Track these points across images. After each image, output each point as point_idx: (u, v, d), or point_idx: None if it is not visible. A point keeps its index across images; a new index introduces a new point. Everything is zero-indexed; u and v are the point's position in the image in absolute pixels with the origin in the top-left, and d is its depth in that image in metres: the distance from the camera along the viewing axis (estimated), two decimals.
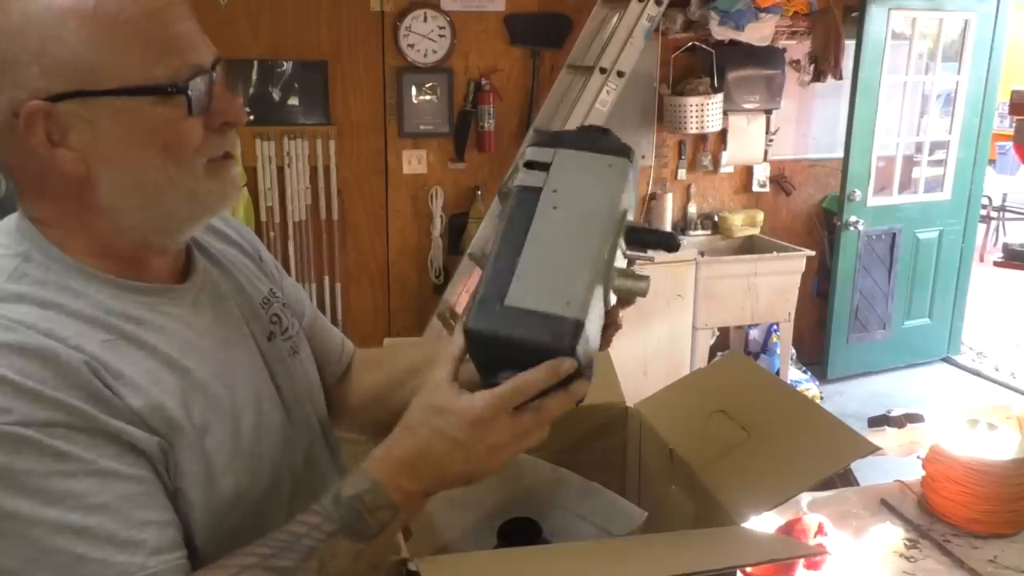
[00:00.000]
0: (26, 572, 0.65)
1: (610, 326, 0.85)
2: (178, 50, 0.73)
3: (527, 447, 0.75)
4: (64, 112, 0.71)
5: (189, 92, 0.73)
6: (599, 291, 0.75)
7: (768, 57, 4.11)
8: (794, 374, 4.26)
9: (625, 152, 0.79)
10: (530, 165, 0.79)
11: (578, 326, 0.71)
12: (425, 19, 3.64)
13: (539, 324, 0.71)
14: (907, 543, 1.52)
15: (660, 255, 0.91)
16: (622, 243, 0.79)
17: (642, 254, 0.82)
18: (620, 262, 0.79)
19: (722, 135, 4.23)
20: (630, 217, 0.78)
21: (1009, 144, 7.38)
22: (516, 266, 0.74)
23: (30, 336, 0.69)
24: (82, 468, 0.67)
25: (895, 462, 1.80)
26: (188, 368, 0.78)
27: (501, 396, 0.72)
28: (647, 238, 0.80)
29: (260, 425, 0.84)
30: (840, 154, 4.33)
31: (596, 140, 0.80)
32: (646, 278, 0.79)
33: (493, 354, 0.74)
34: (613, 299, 0.80)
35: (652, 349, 3.76)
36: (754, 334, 4.40)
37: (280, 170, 3.59)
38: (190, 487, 0.76)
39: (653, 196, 4.20)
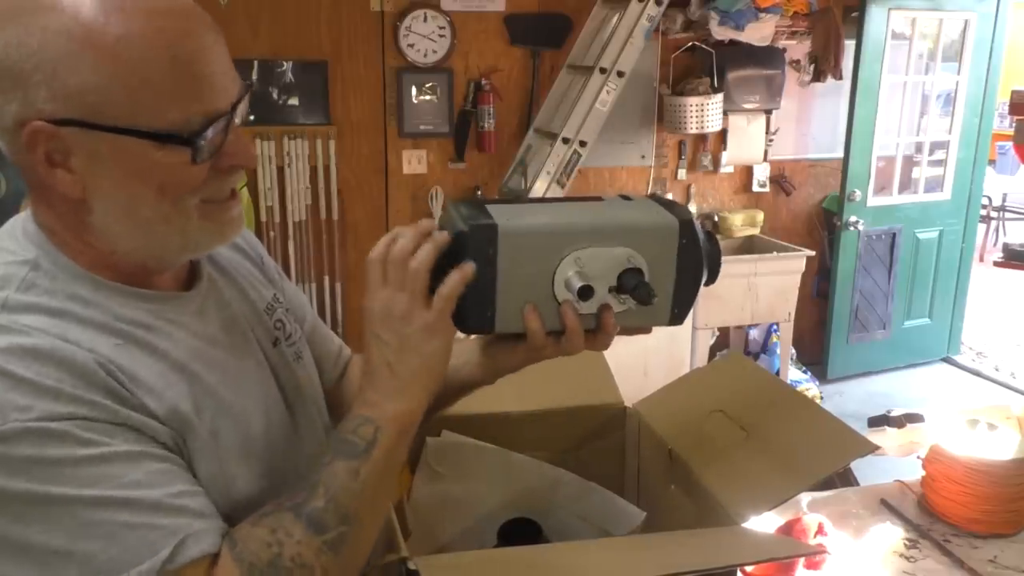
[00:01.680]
0: (73, 546, 0.66)
1: (600, 332, 0.88)
2: (197, 96, 0.72)
3: (414, 297, 0.81)
4: (67, 136, 0.71)
5: (195, 143, 0.72)
6: (544, 247, 0.81)
7: (768, 57, 4.11)
8: (794, 374, 4.26)
9: (685, 221, 0.86)
10: (622, 195, 0.94)
11: (491, 228, 0.80)
12: (425, 19, 3.64)
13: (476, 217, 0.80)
14: (907, 543, 1.52)
15: None
16: (614, 280, 0.84)
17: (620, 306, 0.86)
18: (604, 286, 0.84)
19: (722, 135, 4.23)
20: (641, 266, 0.84)
21: (1009, 144, 7.37)
22: (523, 202, 0.87)
23: (45, 339, 0.69)
24: (110, 452, 0.68)
25: (895, 462, 1.80)
26: (197, 373, 0.79)
27: (369, 276, 0.82)
28: (630, 281, 0.83)
29: (268, 430, 0.85)
30: (840, 154, 4.33)
31: (672, 206, 0.90)
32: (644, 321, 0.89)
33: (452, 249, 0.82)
34: (577, 283, 0.83)
35: (652, 349, 3.75)
36: (754, 334, 4.40)
37: (280, 170, 3.59)
38: (205, 485, 0.76)
39: (653, 196, 4.19)
